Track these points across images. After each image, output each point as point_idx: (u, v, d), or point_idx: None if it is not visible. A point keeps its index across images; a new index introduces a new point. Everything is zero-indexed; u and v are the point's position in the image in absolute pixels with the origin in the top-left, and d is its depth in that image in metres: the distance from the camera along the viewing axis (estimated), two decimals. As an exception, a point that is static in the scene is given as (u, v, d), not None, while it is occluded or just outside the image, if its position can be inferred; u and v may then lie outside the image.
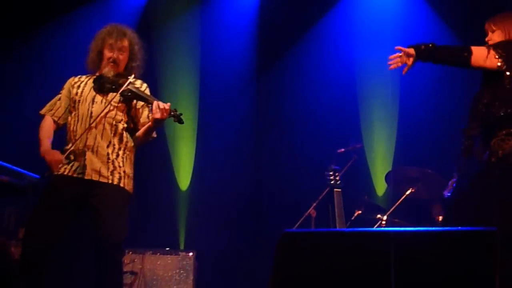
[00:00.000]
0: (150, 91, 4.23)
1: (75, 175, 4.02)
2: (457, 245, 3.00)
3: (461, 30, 6.69)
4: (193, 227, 7.10)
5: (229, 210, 7.12)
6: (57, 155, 3.99)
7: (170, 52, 7.20)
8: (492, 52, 3.82)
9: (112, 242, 3.96)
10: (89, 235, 4.04)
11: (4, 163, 4.27)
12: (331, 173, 5.29)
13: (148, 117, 4.16)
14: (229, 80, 7.30)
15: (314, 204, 5.79)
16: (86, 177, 3.99)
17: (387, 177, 5.92)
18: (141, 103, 4.18)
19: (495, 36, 3.94)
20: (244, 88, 7.38)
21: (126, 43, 4.17)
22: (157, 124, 4.06)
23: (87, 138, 4.03)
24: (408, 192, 5.75)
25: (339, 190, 5.23)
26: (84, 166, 4.00)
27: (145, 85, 4.25)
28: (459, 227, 5.32)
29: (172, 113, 3.98)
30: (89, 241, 4.10)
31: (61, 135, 4.24)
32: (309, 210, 5.80)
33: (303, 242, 3.23)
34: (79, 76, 4.28)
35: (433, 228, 3.90)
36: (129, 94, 4.06)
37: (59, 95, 4.25)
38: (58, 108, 4.20)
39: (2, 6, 6.69)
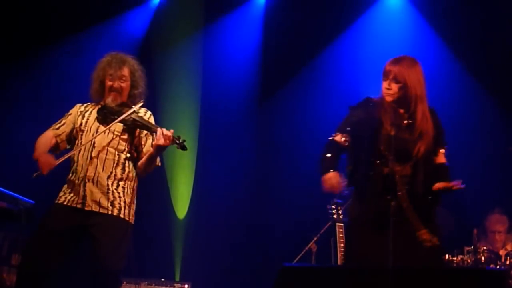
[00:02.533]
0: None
1: (74, 205, 4.06)
2: (463, 285, 3.03)
3: (470, 62, 6.80)
4: (190, 257, 7.08)
5: (227, 242, 7.11)
6: (50, 158, 4.03)
7: (172, 79, 7.27)
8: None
9: (110, 272, 3.98)
10: (87, 263, 4.07)
11: (-1, 188, 4.32)
12: (333, 206, 5.30)
13: (151, 145, 4.21)
14: (230, 109, 7.35)
15: (315, 238, 5.79)
16: (86, 208, 4.03)
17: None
18: (144, 131, 4.23)
19: (393, 86, 3.83)
20: (245, 117, 7.42)
21: (126, 71, 4.23)
22: (159, 151, 4.12)
23: (88, 169, 4.07)
24: (413, 229, 5.75)
25: (342, 224, 5.23)
26: (84, 197, 4.04)
27: (149, 113, 4.30)
28: (466, 267, 5.38)
29: (175, 140, 4.04)
30: (85, 269, 4.13)
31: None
32: (310, 244, 5.79)
33: (302, 277, 3.25)
34: (85, 105, 4.33)
35: (436, 266, 3.93)
36: (131, 122, 4.12)
37: (64, 119, 4.28)
38: (61, 128, 4.23)
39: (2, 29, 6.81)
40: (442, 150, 3.87)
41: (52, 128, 4.26)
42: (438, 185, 3.77)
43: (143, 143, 4.24)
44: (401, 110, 3.85)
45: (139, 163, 4.21)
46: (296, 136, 7.28)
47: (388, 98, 3.83)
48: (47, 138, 4.20)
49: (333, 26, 7.22)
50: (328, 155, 3.91)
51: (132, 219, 4.17)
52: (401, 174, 3.74)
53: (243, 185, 7.29)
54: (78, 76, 4.55)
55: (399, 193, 3.71)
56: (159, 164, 4.30)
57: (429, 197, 3.78)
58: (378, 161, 3.75)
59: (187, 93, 7.37)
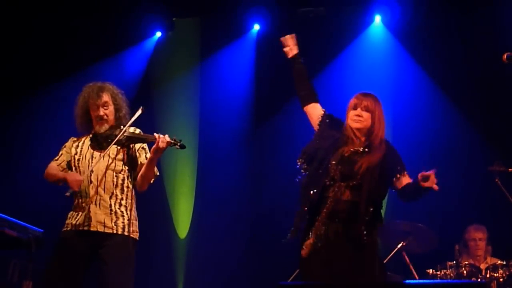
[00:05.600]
0: (152, 145, 4.28)
1: (80, 229, 4.07)
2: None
3: (449, 89, 6.88)
4: (191, 277, 7.06)
5: (226, 261, 7.07)
6: (77, 175, 4.07)
7: (171, 110, 7.32)
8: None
9: None
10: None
11: (8, 217, 4.31)
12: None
13: (146, 157, 4.21)
14: (227, 134, 7.37)
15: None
16: (91, 229, 4.05)
17: (378, 231, 5.94)
18: (137, 146, 4.24)
19: (365, 114, 3.92)
20: (241, 142, 7.45)
21: (107, 97, 4.22)
22: (158, 154, 4.10)
23: (89, 192, 4.10)
24: (399, 246, 5.79)
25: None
26: (89, 218, 4.06)
27: (138, 130, 4.28)
28: (451, 280, 5.38)
29: (173, 142, 4.06)
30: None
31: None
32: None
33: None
34: (78, 137, 4.35)
35: (421, 281, 3.94)
36: (125, 140, 4.13)
37: (61, 151, 4.33)
38: (60, 158, 4.28)
39: (9, 67, 6.87)
40: (405, 173, 3.92)
41: (53, 160, 4.31)
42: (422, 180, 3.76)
43: (137, 157, 4.24)
44: (362, 138, 3.93)
45: (139, 175, 4.20)
46: (290, 160, 7.24)
47: (357, 125, 3.92)
48: (54, 166, 4.25)
49: (321, 58, 7.26)
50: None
51: (136, 235, 4.19)
52: (337, 198, 3.80)
53: (242, 206, 7.28)
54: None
55: (321, 215, 3.81)
56: (158, 173, 4.29)
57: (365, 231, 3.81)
58: (322, 176, 3.83)
59: (185, 122, 7.40)
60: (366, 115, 3.91)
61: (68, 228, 4.13)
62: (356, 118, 3.92)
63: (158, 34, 7.54)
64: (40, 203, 6.26)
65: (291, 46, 4.23)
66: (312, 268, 3.78)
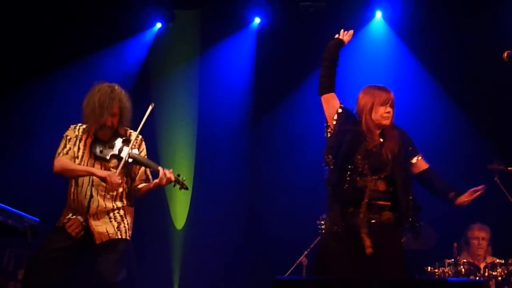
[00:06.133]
0: (151, 136, 4.26)
1: (81, 238, 4.05)
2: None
3: (449, 86, 6.84)
4: (188, 267, 7.04)
5: (222, 253, 7.05)
6: (117, 177, 4.00)
7: (170, 101, 7.29)
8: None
9: (110, 283, 3.98)
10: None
11: (4, 206, 4.27)
12: (322, 222, 5.27)
13: (145, 172, 4.23)
14: (226, 125, 7.35)
15: (306, 252, 5.76)
16: (97, 242, 4.04)
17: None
18: None
19: (391, 110, 3.93)
20: (240, 134, 7.43)
21: (116, 107, 4.11)
22: (159, 188, 4.18)
23: (89, 206, 4.05)
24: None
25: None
26: (91, 232, 4.04)
27: (140, 137, 4.26)
28: (449, 278, 5.35)
29: (176, 180, 4.10)
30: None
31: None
32: (301, 258, 5.77)
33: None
34: (77, 128, 4.23)
35: (418, 278, 3.90)
36: (132, 162, 4.14)
37: (68, 144, 4.17)
38: (70, 152, 4.13)
39: (10, 56, 6.79)
40: (419, 157, 3.95)
41: (61, 154, 4.13)
42: (461, 199, 3.86)
43: (136, 171, 4.24)
44: (378, 131, 3.92)
45: (137, 192, 4.23)
46: (288, 153, 7.27)
47: (387, 122, 3.91)
48: (69, 161, 4.10)
49: (321, 52, 7.22)
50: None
51: (130, 236, 4.19)
52: (372, 189, 3.76)
53: (239, 197, 7.26)
54: (80, 101, 4.52)
55: (362, 204, 3.74)
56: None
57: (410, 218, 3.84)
58: (351, 172, 3.78)
59: (184, 113, 7.40)
60: (391, 111, 3.92)
61: (61, 225, 4.10)
62: (387, 115, 3.91)
63: (159, 25, 7.49)
64: (36, 193, 6.20)
65: (348, 37, 4.31)
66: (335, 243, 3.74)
